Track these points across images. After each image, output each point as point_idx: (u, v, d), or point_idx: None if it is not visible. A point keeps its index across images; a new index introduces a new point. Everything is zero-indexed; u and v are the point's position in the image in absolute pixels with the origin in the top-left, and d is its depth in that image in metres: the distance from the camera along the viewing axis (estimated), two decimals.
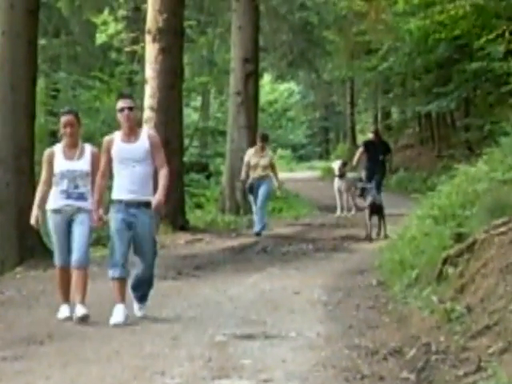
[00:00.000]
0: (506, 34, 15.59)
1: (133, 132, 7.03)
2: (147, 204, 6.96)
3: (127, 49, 23.64)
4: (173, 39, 14.62)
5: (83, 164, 7.26)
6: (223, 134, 24.14)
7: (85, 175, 7.24)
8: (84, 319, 6.89)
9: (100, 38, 24.00)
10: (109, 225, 7.07)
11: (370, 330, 6.23)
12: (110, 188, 7.20)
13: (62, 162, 7.26)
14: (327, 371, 5.00)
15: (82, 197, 7.20)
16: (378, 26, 22.97)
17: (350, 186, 17.96)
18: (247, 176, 14.11)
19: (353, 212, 17.91)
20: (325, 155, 51.21)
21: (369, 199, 13.08)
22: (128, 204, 6.94)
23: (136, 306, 7.21)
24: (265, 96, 48.53)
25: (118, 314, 6.88)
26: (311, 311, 7.31)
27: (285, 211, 19.62)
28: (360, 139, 35.67)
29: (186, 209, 15.94)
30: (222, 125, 27.18)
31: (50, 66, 23.54)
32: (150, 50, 14.68)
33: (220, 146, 28.34)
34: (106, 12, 23.95)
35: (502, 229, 6.06)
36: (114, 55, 26.51)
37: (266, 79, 45.37)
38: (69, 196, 7.21)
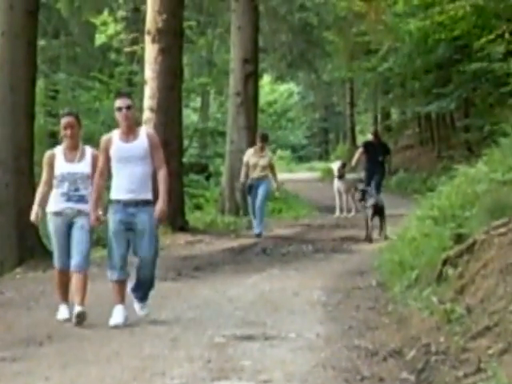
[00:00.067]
0: (506, 35, 15.59)
1: (131, 131, 6.96)
2: (146, 202, 6.91)
3: (127, 49, 23.64)
4: (172, 40, 14.62)
5: (84, 166, 7.23)
6: (223, 134, 24.13)
7: (85, 178, 7.20)
8: (80, 316, 6.84)
9: (99, 39, 24.03)
10: (107, 225, 7.04)
11: (369, 331, 6.23)
12: (108, 188, 7.16)
13: (63, 164, 7.23)
14: (327, 372, 4.99)
15: (82, 199, 7.17)
16: (377, 27, 22.97)
17: (349, 187, 17.98)
18: (246, 177, 14.09)
19: (352, 213, 17.92)
20: (324, 156, 51.27)
21: (371, 200, 13.11)
22: (126, 204, 6.87)
23: (137, 305, 7.17)
24: (264, 97, 48.56)
25: (117, 315, 6.86)
26: (311, 312, 7.30)
27: (284, 212, 19.63)
28: (360, 140, 35.69)
29: (186, 210, 15.93)
30: (222, 125, 27.15)
31: (49, 66, 23.55)
32: (150, 50, 14.68)
33: (219, 146, 28.34)
34: (105, 13, 23.98)
35: (502, 230, 6.05)
36: (113, 56, 26.52)
37: (265, 80, 45.41)
38: (69, 199, 7.17)
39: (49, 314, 7.42)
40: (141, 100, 15.03)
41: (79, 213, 7.14)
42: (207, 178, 25.65)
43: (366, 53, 29.13)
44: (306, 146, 57.19)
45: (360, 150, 17.22)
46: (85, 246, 7.12)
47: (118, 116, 6.97)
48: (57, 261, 7.26)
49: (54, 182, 7.23)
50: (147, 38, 14.79)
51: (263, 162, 14.02)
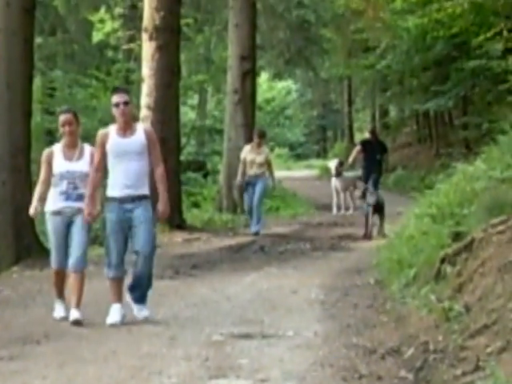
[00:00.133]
0: (504, 32, 15.61)
1: (128, 126, 6.87)
2: (143, 197, 6.83)
3: (124, 47, 23.63)
4: (169, 37, 14.59)
5: (83, 165, 7.14)
6: (220, 132, 24.16)
7: (84, 176, 7.12)
8: (76, 323, 6.82)
9: (96, 36, 23.97)
10: (105, 223, 6.99)
11: (367, 330, 6.22)
12: (105, 186, 7.11)
13: (62, 162, 7.16)
14: (325, 370, 4.98)
15: (81, 198, 7.09)
16: (375, 24, 22.99)
17: (348, 185, 18.00)
18: (243, 176, 14.00)
19: (351, 211, 17.93)
20: (322, 154, 51.34)
21: (373, 198, 13.12)
22: (122, 200, 6.80)
23: (135, 308, 6.95)
24: (262, 94, 48.57)
25: (114, 313, 6.82)
26: (309, 310, 7.30)
27: (282, 210, 19.61)
28: (358, 137, 35.70)
29: (183, 208, 15.91)
30: (219, 123, 27.19)
31: (46, 64, 23.53)
32: (147, 48, 14.65)
33: (217, 144, 28.35)
34: (102, 10, 23.91)
35: (500, 227, 6.04)
36: (110, 53, 26.50)
37: (263, 77, 45.37)
38: (68, 197, 7.12)
39: (46, 313, 7.40)
40: (138, 98, 15.00)
41: (78, 211, 7.08)
42: (205, 176, 25.62)
43: (364, 50, 29.16)
44: (304, 143, 57.22)
45: (357, 148, 17.20)
46: (83, 245, 7.08)
47: (115, 112, 6.86)
48: (53, 261, 7.22)
49: (53, 180, 7.17)
50: (144, 36, 14.76)
51: (260, 158, 13.95)
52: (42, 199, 7.21)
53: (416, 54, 24.76)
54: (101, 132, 6.99)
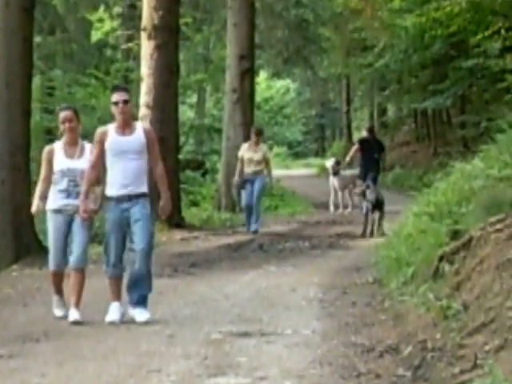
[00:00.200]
0: (502, 31, 15.62)
1: (127, 125, 6.84)
2: (141, 195, 6.81)
3: (123, 46, 23.59)
4: (168, 36, 14.61)
5: (84, 163, 7.08)
6: (219, 131, 24.12)
7: None
8: (76, 324, 6.81)
9: (95, 36, 23.92)
10: (104, 221, 6.97)
11: (366, 328, 6.23)
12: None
13: (63, 160, 7.13)
14: (323, 369, 4.99)
15: None
16: (373, 23, 22.99)
17: (346, 184, 18.00)
18: (241, 175, 13.99)
19: (349, 209, 17.94)
20: (321, 152, 51.33)
21: (372, 195, 13.13)
22: (119, 199, 6.78)
23: (136, 311, 6.77)
24: (261, 93, 48.56)
25: (113, 311, 6.82)
26: (307, 308, 7.31)
27: (281, 208, 19.64)
28: (356, 136, 35.68)
29: (182, 206, 15.93)
30: (218, 122, 27.17)
31: (45, 63, 23.51)
32: (146, 47, 14.67)
33: (216, 143, 28.33)
34: (101, 9, 23.87)
35: (498, 226, 6.05)
36: (109, 52, 26.48)
37: (261, 76, 45.35)
38: (69, 195, 7.08)
39: (45, 311, 7.41)
40: (137, 97, 15.00)
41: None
42: (203, 175, 25.63)
43: (363, 49, 29.19)
44: (303, 142, 57.21)
45: (355, 146, 17.21)
46: (84, 243, 7.07)
47: (115, 110, 6.83)
48: (52, 261, 7.18)
49: (53, 178, 7.13)
50: (143, 35, 14.77)
51: (258, 156, 13.95)
52: (44, 197, 7.18)
53: (414, 52, 24.78)
54: (99, 130, 6.95)
